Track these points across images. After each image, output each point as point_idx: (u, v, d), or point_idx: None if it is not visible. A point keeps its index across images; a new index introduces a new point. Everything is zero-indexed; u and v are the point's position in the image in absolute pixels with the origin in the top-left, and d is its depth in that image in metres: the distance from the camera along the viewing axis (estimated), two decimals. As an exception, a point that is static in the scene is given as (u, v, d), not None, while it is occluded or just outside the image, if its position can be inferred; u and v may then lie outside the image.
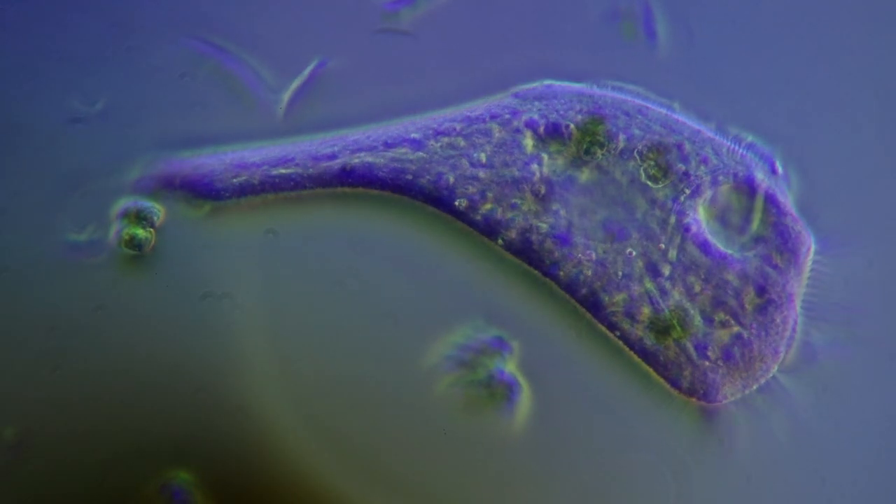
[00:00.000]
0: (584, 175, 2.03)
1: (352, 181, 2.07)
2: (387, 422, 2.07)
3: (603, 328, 2.06)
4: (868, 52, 2.17)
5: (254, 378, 2.06)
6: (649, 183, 2.00)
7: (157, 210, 2.05)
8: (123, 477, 2.03)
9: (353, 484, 2.06)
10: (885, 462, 2.11)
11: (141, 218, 2.04)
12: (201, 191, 2.06)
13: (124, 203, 2.05)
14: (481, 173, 2.02)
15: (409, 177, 2.03)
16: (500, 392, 2.07)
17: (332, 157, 2.07)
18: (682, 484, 2.08)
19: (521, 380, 2.07)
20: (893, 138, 2.15)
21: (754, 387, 2.06)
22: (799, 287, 2.06)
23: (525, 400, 2.07)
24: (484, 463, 2.07)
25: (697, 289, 2.03)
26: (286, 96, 2.10)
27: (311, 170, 2.07)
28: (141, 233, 2.03)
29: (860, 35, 2.17)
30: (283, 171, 2.07)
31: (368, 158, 2.06)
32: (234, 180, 2.06)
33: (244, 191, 2.07)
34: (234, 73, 2.09)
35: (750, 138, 2.10)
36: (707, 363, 2.04)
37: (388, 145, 2.05)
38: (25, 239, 2.05)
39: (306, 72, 2.09)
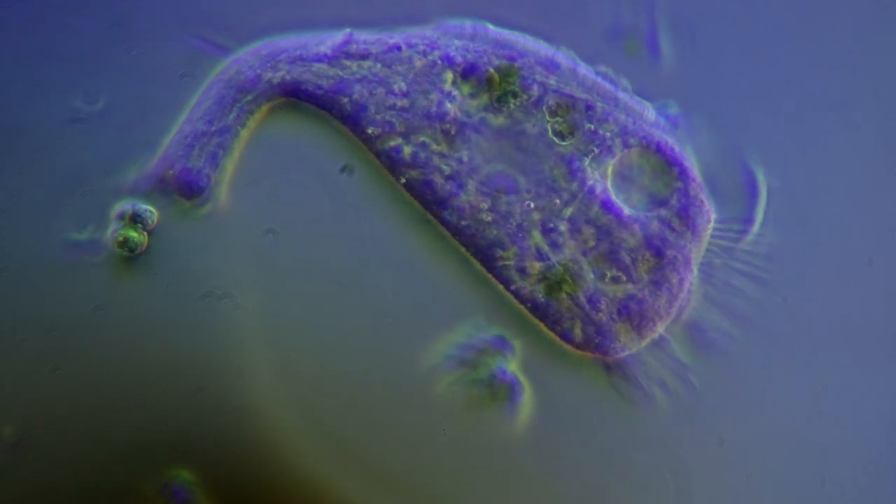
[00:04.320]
0: (497, 122, 2.01)
1: (287, 93, 2.05)
2: (387, 421, 2.07)
3: (495, 281, 2.06)
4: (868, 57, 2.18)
5: (254, 378, 2.06)
6: (555, 139, 1.99)
7: (152, 212, 2.05)
8: (123, 477, 2.03)
9: (353, 483, 2.06)
10: (886, 462, 2.11)
11: (135, 221, 2.04)
12: (187, 190, 2.06)
13: (121, 206, 2.05)
14: (398, 102, 2.00)
15: (321, 92, 2.01)
16: (501, 392, 2.07)
17: (258, 79, 2.05)
18: (682, 484, 2.08)
19: (523, 379, 2.07)
20: (889, 139, 2.16)
21: (647, 342, 2.05)
22: (697, 252, 2.06)
23: (527, 400, 2.07)
24: (485, 462, 2.07)
25: (591, 244, 2.02)
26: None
27: (248, 96, 2.06)
28: (134, 235, 2.03)
29: (859, 40, 2.18)
30: (230, 118, 2.06)
31: (294, 73, 2.03)
32: (201, 160, 2.05)
33: (216, 160, 2.06)
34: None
35: (666, 101, 2.09)
36: (600, 315, 2.03)
37: (304, 60, 2.03)
38: (25, 239, 2.05)
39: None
